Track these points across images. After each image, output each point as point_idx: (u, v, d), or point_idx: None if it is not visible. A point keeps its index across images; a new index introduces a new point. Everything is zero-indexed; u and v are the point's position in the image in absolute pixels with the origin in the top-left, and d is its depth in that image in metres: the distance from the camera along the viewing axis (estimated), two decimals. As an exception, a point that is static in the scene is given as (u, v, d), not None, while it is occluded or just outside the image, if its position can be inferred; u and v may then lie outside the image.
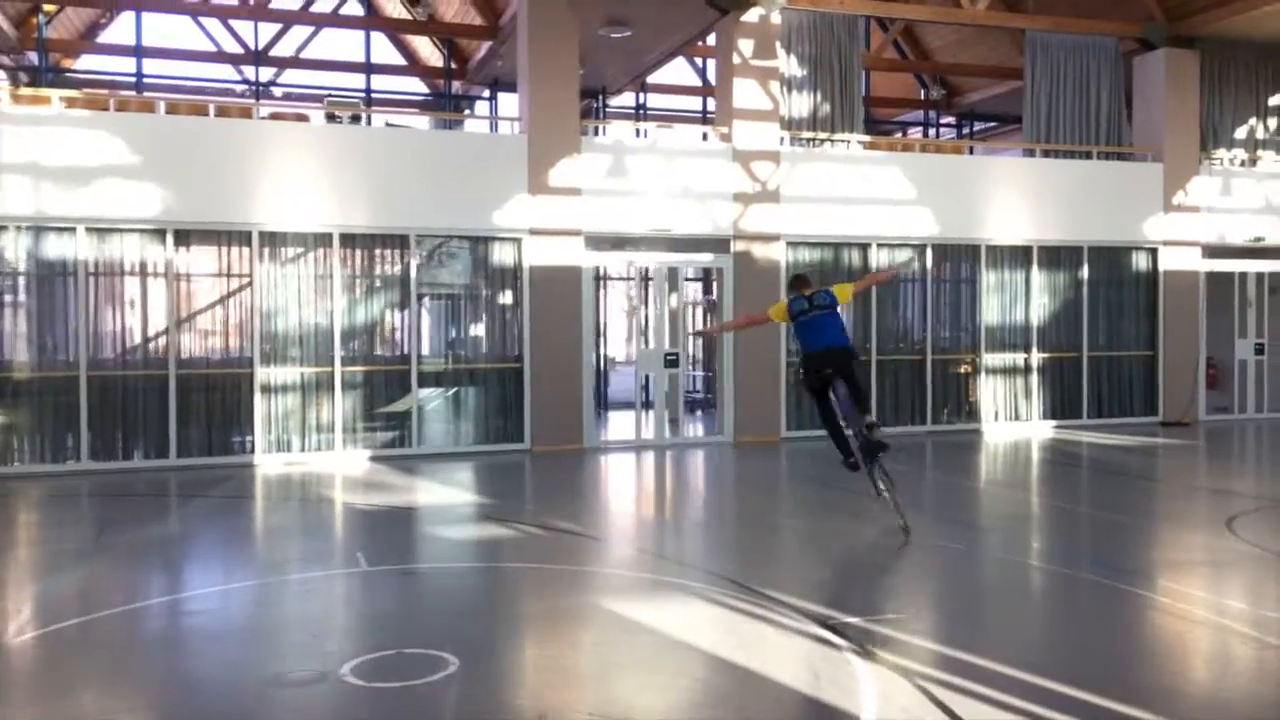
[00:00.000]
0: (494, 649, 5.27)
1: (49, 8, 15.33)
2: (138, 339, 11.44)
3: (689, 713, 4.43)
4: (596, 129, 13.70)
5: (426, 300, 12.51)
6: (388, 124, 13.27)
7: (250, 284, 11.67)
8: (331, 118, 12.13)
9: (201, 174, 11.41)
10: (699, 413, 17.28)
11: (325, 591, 6.44)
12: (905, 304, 14.56)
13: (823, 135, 14.13)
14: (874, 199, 14.01)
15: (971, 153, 17.11)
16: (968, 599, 6.29)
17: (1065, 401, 15.11)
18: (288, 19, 16.50)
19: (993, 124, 21.04)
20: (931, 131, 20.94)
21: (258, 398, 11.66)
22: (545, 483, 11.07)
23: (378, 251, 12.29)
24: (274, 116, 12.04)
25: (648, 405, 14.58)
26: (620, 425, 15.20)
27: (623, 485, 11.31)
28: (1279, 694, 4.71)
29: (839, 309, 8.22)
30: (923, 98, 20.59)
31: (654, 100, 19.01)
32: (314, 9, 17.17)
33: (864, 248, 14.10)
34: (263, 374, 11.69)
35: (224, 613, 6.02)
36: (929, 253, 14.39)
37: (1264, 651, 5.17)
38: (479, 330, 12.85)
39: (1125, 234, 15.17)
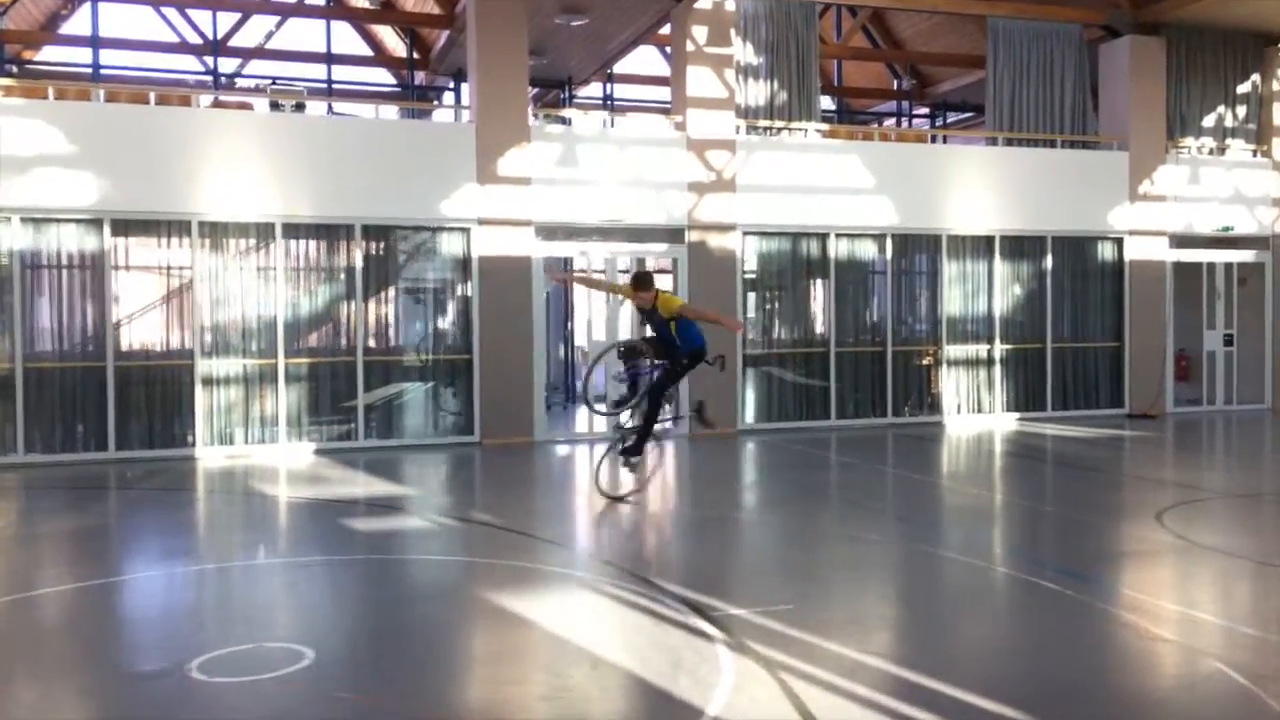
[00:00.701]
0: (357, 642, 5.14)
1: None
2: (75, 331, 11.30)
3: (531, 706, 4.30)
4: (546, 117, 13.52)
5: (373, 291, 12.34)
6: (331, 113, 13.09)
7: (191, 275, 11.54)
8: (275, 106, 11.97)
9: (141, 163, 11.27)
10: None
11: (209, 584, 6.31)
12: (865, 295, 14.39)
13: (779, 124, 13.96)
14: (832, 188, 13.84)
15: (935, 141, 16.91)
16: (865, 593, 6.14)
17: (1029, 394, 14.94)
18: (247, 8, 16.36)
19: (969, 114, 20.84)
20: (904, 122, 20.75)
21: (199, 390, 11.53)
22: (481, 476, 10.93)
23: (322, 242, 12.14)
24: (217, 105, 11.89)
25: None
26: (585, 418, 14.96)
27: (558, 479, 11.15)
28: (1149, 685, 4.57)
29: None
30: (895, 88, 20.40)
31: (622, 90, 18.86)
32: (275, -1, 17.04)
33: (822, 237, 13.93)
34: (204, 366, 11.56)
35: (98, 605, 5.89)
36: (889, 242, 14.22)
37: (1146, 643, 5.03)
38: (427, 322, 12.71)
39: (1090, 223, 14.99)
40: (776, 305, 14.03)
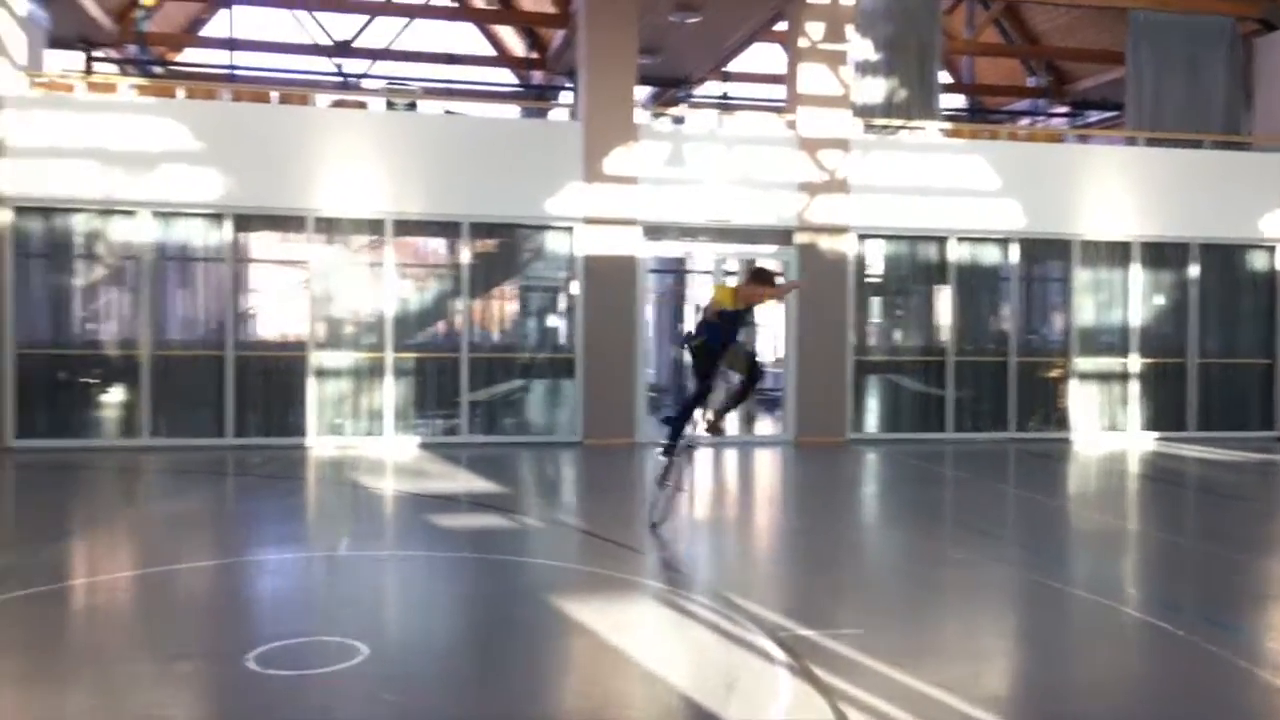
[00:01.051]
0: (410, 641, 5.08)
1: (146, 1, 16.00)
2: (199, 321, 11.76)
3: (564, 718, 4.12)
4: (655, 114, 13.36)
5: (479, 288, 12.42)
6: (446, 111, 13.27)
7: (306, 269, 11.87)
8: (390, 105, 12.20)
9: (262, 160, 11.65)
10: (776, 410, 16.78)
11: (283, 574, 6.37)
12: (988, 302, 13.72)
13: (897, 122, 13.44)
14: (953, 190, 13.25)
15: (1069, 140, 16.00)
16: (952, 622, 5.72)
17: (1169, 412, 13.96)
18: (373, 10, 16.80)
19: (1112, 113, 19.69)
20: (1041, 121, 19.77)
21: (311, 382, 11.85)
22: (574, 477, 10.86)
23: (430, 239, 12.31)
24: (336, 104, 12.20)
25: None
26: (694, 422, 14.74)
27: (649, 483, 10.90)
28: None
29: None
30: (1031, 85, 19.45)
31: (741, 89, 18.54)
32: (400, 0, 17.44)
33: (941, 241, 13.35)
34: (316, 358, 11.87)
35: (166, 591, 6.01)
36: (1014, 247, 13.52)
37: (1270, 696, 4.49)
38: (532, 320, 12.74)
39: (1240, 230, 13.90)
40: (891, 311, 13.52)
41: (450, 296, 12.33)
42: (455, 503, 8.87)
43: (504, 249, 12.66)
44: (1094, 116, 19.61)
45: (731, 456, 12.18)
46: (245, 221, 11.78)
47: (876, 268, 13.35)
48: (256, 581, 6.28)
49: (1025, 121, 20.16)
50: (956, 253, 13.37)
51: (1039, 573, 6.60)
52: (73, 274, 11.47)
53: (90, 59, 16.44)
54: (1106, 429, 13.80)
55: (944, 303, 13.47)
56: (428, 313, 12.43)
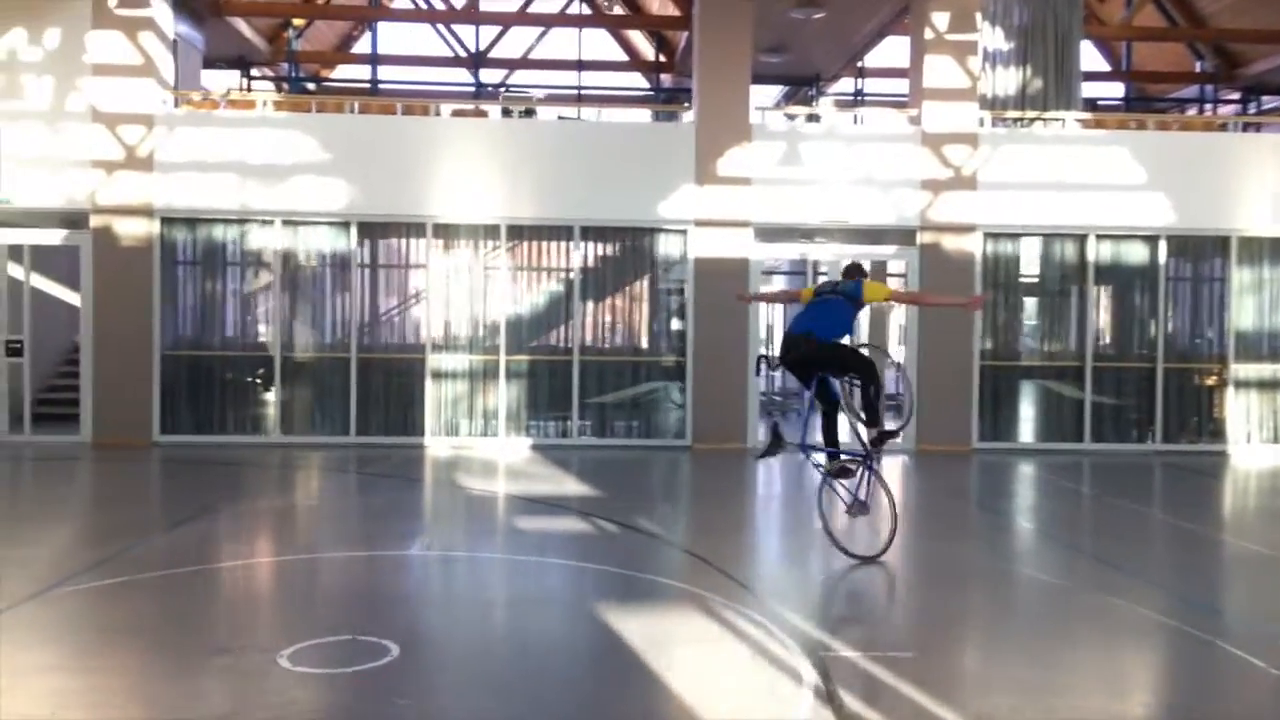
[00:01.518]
0: (442, 643, 5.13)
1: (297, 22, 16.91)
2: (325, 325, 12.32)
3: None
4: (789, 116, 13.09)
5: (590, 291, 12.50)
6: (559, 117, 13.42)
7: (424, 274, 12.25)
8: (506, 113, 12.44)
9: (385, 169, 12.09)
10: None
11: (352, 571, 6.54)
12: (1131, 303, 12.81)
13: (1031, 114, 12.71)
14: (1093, 184, 12.43)
15: (1230, 129, 14.69)
16: (1019, 651, 5.32)
17: (1345, 424, 12.67)
18: (508, 21, 17.21)
19: (1290, 98, 18.05)
20: (1208, 108, 18.29)
21: (429, 383, 12.22)
22: (674, 483, 10.77)
23: (543, 243, 12.48)
24: (456, 114, 12.54)
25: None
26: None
27: (750, 490, 10.70)
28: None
29: (859, 304, 7.14)
30: (1197, 70, 18.02)
31: (876, 85, 17.97)
32: (532, 9, 17.79)
33: (1079, 239, 12.55)
34: (434, 360, 12.23)
35: (238, 583, 6.28)
36: (1162, 245, 12.56)
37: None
38: (643, 323, 12.73)
39: None
40: (1023, 312, 12.80)
41: (562, 300, 12.47)
42: (541, 505, 8.94)
43: (615, 252, 12.70)
44: (1270, 103, 18.00)
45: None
46: (368, 229, 12.25)
47: (1006, 268, 12.66)
48: (319, 578, 6.48)
49: (1193, 110, 18.71)
50: (1096, 251, 12.53)
51: (1151, 606, 6.05)
52: (212, 280, 12.20)
53: (249, 78, 17.54)
54: (1269, 440, 12.64)
55: (1082, 303, 12.66)
56: (540, 316, 12.59)
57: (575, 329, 12.38)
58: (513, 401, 12.32)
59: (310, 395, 12.24)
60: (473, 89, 17.91)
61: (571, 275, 12.37)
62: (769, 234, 12.47)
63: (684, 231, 12.31)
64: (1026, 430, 12.68)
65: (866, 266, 7.44)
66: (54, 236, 11.97)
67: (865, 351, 7.86)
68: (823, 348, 6.96)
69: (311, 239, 12.23)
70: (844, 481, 7.32)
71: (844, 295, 7.07)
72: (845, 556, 6.86)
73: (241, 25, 16.04)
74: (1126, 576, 6.68)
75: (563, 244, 12.42)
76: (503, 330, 12.28)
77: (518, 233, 12.35)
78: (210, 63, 16.68)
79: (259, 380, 12.09)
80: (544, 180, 12.20)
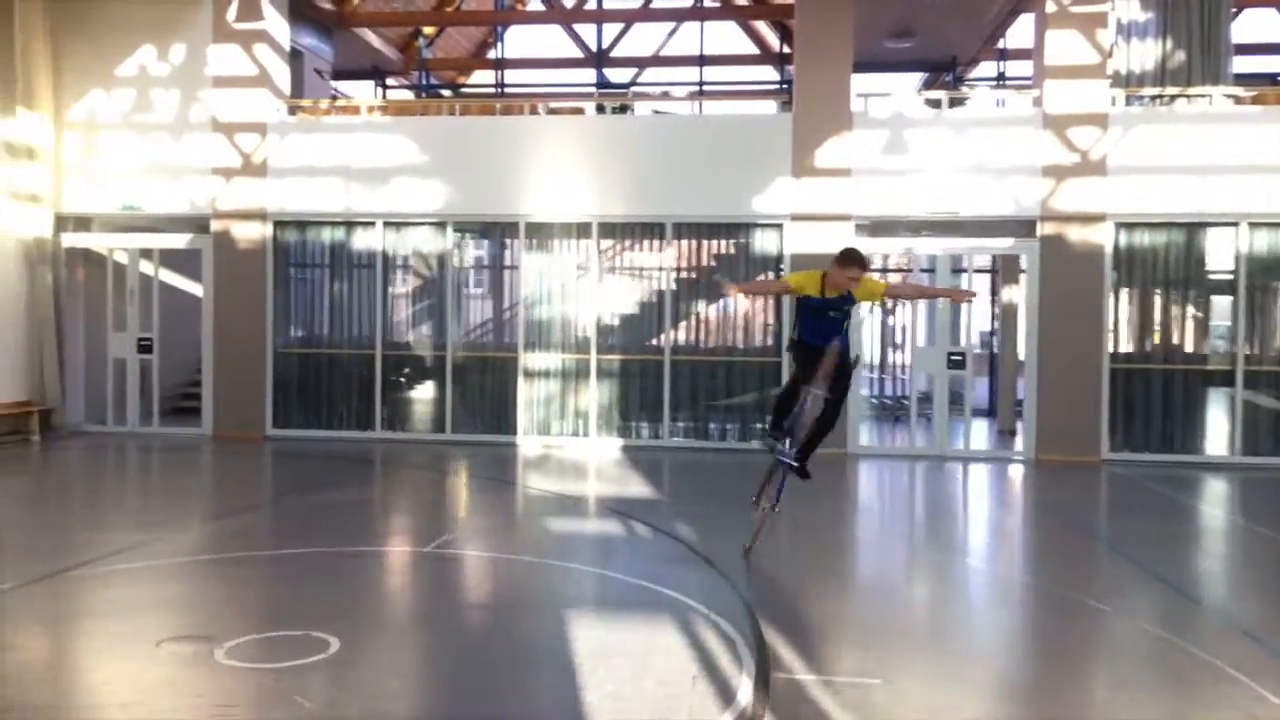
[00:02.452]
0: (385, 642, 4.98)
1: (428, 31, 17.38)
2: (423, 322, 12.55)
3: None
4: (930, 102, 12.32)
5: (681, 289, 12.17)
6: (654, 112, 13.13)
7: (517, 273, 12.27)
8: (600, 110, 12.30)
9: (478, 170, 12.19)
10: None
11: (346, 569, 6.48)
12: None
13: (1172, 91, 11.45)
14: (1247, 166, 11.07)
15: None
16: (999, 676, 4.65)
17: None
18: (631, 17, 17.10)
19: None
20: None
21: (521, 382, 12.22)
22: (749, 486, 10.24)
23: (634, 240, 12.25)
24: (551, 112, 12.50)
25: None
26: (910, 432, 13.49)
27: (829, 495, 10.05)
28: None
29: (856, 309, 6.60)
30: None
31: (1019, 68, 16.73)
32: (656, 4, 17.62)
33: (1229, 227, 11.20)
34: (526, 359, 12.22)
35: (231, 575, 6.34)
36: (1331, 233, 11.04)
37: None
38: (737, 321, 12.29)
39: None
40: (1157, 310, 11.55)
41: (654, 298, 12.20)
42: (589, 506, 8.71)
43: (709, 248, 12.32)
44: None
45: (953, 473, 10.98)
46: (464, 228, 12.39)
47: (1141, 260, 11.45)
48: (302, 575, 6.46)
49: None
50: (1248, 241, 11.15)
51: (1196, 639, 5.22)
52: (319, 281, 12.64)
53: (383, 87, 18.20)
54: None
55: (1230, 299, 11.30)
56: (630, 314, 12.35)
57: (667, 328, 12.08)
58: (604, 401, 12.15)
59: (410, 393, 12.49)
60: (597, 89, 17.92)
61: (663, 273, 12.08)
62: (871, 228, 11.78)
63: (779, 226, 11.80)
64: (1166, 439, 11.40)
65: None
66: (179, 240, 12.72)
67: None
68: (848, 364, 6.45)
69: (410, 240, 12.48)
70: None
71: (847, 313, 6.42)
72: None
73: (370, 36, 16.64)
74: (1187, 604, 5.78)
75: (654, 241, 12.15)
76: (593, 328, 12.13)
77: (609, 230, 12.18)
78: (344, 74, 17.41)
79: (362, 377, 12.41)
80: (636, 176, 11.98)
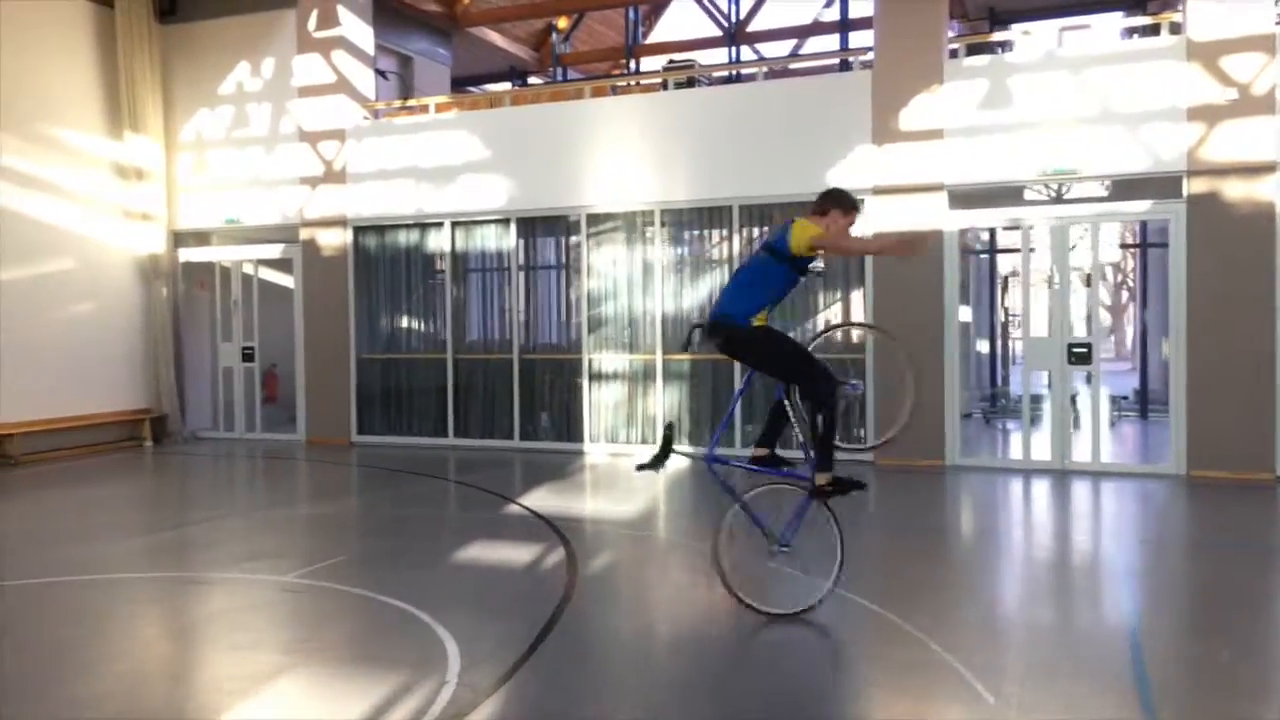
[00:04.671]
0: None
1: (561, 25, 16.90)
2: (493, 325, 12.01)
3: None
4: (969, 50, 10.34)
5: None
6: (711, 78, 11.76)
7: (579, 269, 11.44)
8: (664, 86, 11.23)
9: (539, 161, 11.49)
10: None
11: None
12: None
13: (1369, -6, 8.75)
14: None
15: None
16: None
17: None
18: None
19: None
20: None
21: (586, 386, 11.39)
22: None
23: (700, 228, 11.04)
24: (615, 90, 11.53)
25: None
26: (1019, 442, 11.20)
27: (889, 516, 8.33)
28: None
29: (792, 259, 5.05)
30: None
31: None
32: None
33: None
34: (591, 361, 11.37)
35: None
36: None
37: None
38: (814, 313, 10.75)
39: None
40: (1347, 284, 8.87)
41: (719, 289, 10.92)
42: (548, 524, 7.70)
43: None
44: None
45: (1052, 489, 8.95)
46: (527, 225, 11.71)
47: (1330, 220, 8.85)
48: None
49: None
50: None
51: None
52: (396, 286, 12.39)
53: (525, 87, 17.94)
54: None
55: None
56: (698, 310, 11.14)
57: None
58: (670, 405, 11.05)
59: (479, 398, 11.98)
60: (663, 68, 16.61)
61: (731, 261, 10.81)
62: (969, 198, 9.93)
63: (860, 201, 10.17)
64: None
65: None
66: (273, 250, 12.98)
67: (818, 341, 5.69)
68: (735, 335, 5.08)
69: (478, 239, 11.98)
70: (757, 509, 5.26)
71: (770, 250, 5.12)
72: (753, 612, 5.00)
73: (493, 36, 16.41)
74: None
75: (720, 228, 10.90)
76: (658, 327, 11.07)
77: (675, 217, 11.07)
78: (478, 79, 17.32)
79: (436, 384, 12.06)
80: (698, 157, 10.81)
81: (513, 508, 8.23)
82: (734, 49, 16.37)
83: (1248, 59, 8.87)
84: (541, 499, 8.64)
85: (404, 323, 12.43)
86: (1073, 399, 15.08)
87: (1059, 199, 9.70)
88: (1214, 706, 4.04)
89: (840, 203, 5.24)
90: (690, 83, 11.48)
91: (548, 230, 11.79)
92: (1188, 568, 6.56)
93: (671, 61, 13.82)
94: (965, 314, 15.17)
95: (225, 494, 10.05)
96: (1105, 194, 9.95)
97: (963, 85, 9.81)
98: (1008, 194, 9.87)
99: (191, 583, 6.03)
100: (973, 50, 10.28)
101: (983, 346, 15.30)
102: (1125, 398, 15.00)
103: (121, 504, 9.28)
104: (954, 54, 10.01)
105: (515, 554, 6.51)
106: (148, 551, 6.90)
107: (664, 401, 11.04)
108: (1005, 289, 16.07)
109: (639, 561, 6.65)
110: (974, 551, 7.19)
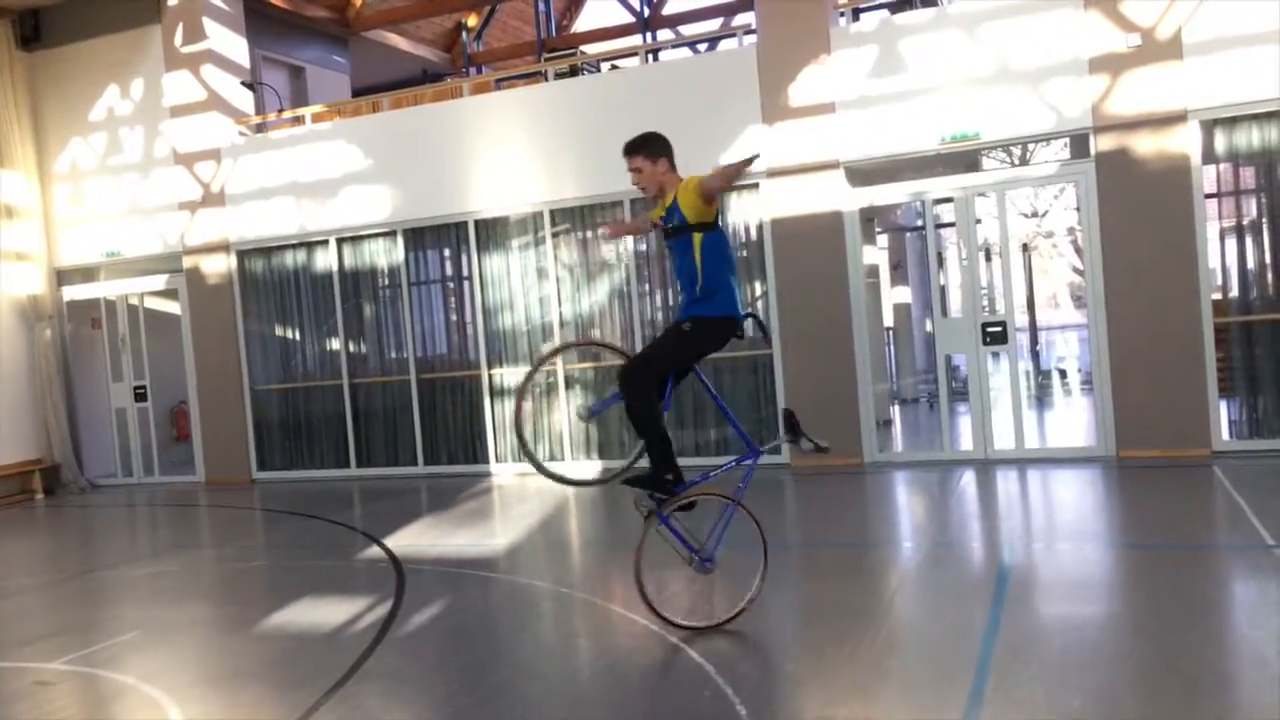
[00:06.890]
0: None
1: (471, 24, 16.16)
2: (389, 345, 11.30)
3: None
4: (855, 12, 9.63)
5: (655, 282, 10.11)
6: (612, 67, 11.05)
7: (472, 279, 10.72)
8: (545, 76, 10.50)
9: (422, 167, 10.78)
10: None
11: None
12: None
13: (1273, -80, 8.02)
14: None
15: None
16: None
17: None
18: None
19: None
20: None
21: (487, 402, 10.68)
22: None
23: (591, 227, 10.31)
24: (495, 86, 10.79)
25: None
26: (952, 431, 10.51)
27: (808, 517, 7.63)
28: None
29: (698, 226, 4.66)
30: None
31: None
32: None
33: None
34: (492, 377, 10.66)
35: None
36: None
37: None
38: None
39: None
40: (1268, 243, 8.16)
41: (617, 293, 10.21)
42: (397, 570, 6.98)
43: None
44: None
45: (997, 486, 8.24)
46: (415, 236, 10.99)
47: (1250, 170, 8.14)
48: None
49: None
50: None
51: None
52: (284, 310, 11.64)
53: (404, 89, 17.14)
54: None
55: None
56: (599, 314, 10.41)
57: (636, 326, 10.07)
58: (575, 419, 10.32)
59: (380, 424, 11.25)
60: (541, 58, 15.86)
61: (623, 264, 10.10)
62: (867, 174, 9.23)
63: (756, 185, 9.47)
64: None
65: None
66: (158, 282, 12.24)
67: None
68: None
69: (364, 254, 11.24)
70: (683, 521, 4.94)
71: (683, 229, 4.77)
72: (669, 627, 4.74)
73: (396, 40, 15.69)
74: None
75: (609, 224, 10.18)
76: (556, 334, 10.36)
77: (565, 217, 10.35)
78: (389, 86, 16.55)
79: (334, 412, 11.34)
80: (584, 148, 10.09)
81: (372, 550, 7.50)
82: (649, 34, 15.62)
83: (1149, 2, 8.16)
84: (412, 536, 7.91)
85: (297, 349, 11.70)
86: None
87: (963, 167, 8.98)
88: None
89: (668, 146, 4.95)
90: (573, 71, 10.76)
91: (436, 241, 11.06)
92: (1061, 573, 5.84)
93: (581, 52, 13.06)
94: (903, 295, 14.52)
95: (71, 554, 8.94)
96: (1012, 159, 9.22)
97: (852, 53, 9.10)
98: (909, 165, 9.15)
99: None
100: (859, 15, 9.57)
101: (930, 325, 14.60)
102: (1081, 370, 14.31)
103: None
104: (842, 17, 9.30)
105: (332, 614, 5.75)
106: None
107: (568, 415, 10.32)
108: (941, 265, 15.37)
109: (468, 620, 5.91)
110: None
